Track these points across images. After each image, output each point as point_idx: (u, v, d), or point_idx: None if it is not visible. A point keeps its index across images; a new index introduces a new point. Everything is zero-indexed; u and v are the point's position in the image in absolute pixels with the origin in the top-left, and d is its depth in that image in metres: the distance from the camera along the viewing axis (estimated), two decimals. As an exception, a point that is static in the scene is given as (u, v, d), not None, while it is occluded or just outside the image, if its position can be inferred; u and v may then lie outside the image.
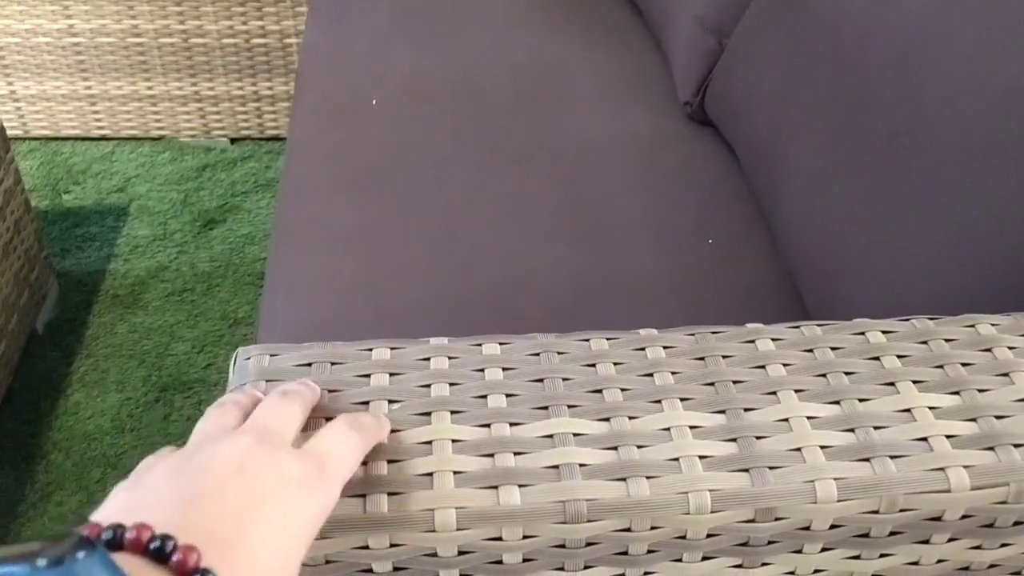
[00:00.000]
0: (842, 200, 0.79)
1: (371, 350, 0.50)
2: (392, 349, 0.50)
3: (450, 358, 0.50)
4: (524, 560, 0.45)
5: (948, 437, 0.47)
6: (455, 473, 0.44)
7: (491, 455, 0.45)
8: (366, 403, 0.47)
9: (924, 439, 0.47)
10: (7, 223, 1.35)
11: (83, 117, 1.88)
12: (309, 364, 0.49)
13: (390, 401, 0.47)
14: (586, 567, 0.46)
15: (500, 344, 0.51)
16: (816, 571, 0.48)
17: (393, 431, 0.45)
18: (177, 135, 1.93)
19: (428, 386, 0.48)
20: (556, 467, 0.44)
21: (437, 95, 1.19)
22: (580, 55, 1.29)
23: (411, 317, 0.85)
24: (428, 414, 0.47)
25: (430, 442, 0.45)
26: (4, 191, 1.34)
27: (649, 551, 0.45)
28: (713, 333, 0.52)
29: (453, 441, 0.45)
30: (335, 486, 0.40)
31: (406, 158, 1.08)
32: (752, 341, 0.52)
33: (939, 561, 0.48)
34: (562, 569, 0.45)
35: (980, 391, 0.49)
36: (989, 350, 0.52)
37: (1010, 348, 0.52)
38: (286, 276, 0.93)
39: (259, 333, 0.88)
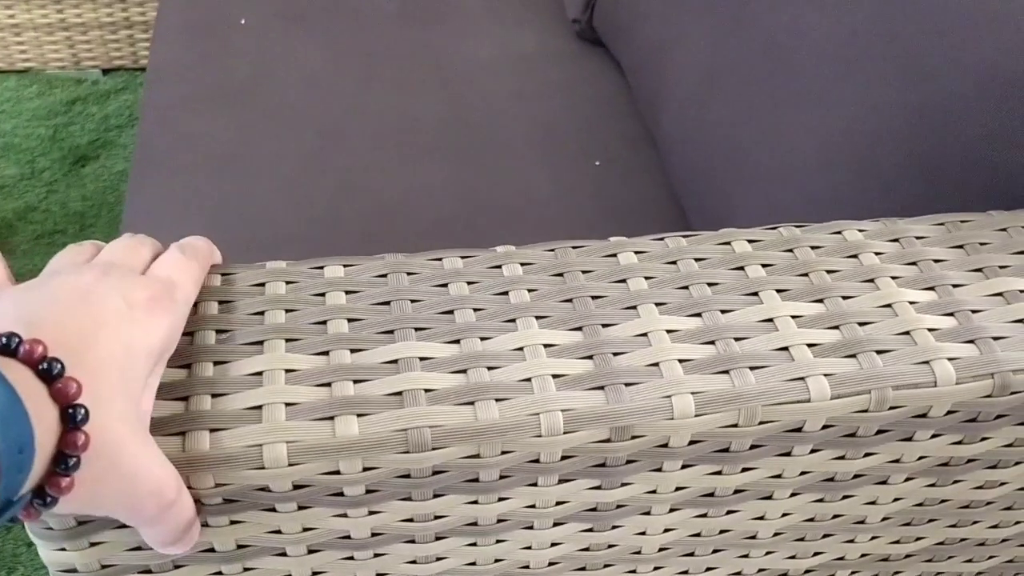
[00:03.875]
0: (723, 109, 0.76)
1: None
2: (221, 275, 0.46)
3: (287, 283, 0.46)
4: (368, 492, 0.42)
5: (810, 346, 0.45)
6: (287, 405, 0.40)
7: (328, 384, 0.41)
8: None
9: (786, 349, 0.45)
10: None
11: (-63, 48, 1.74)
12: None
13: (218, 331, 0.43)
14: (436, 495, 0.43)
15: (344, 266, 0.47)
16: (677, 488, 0.46)
17: (217, 363, 0.41)
18: (44, 67, 1.80)
19: (261, 313, 0.44)
20: (399, 393, 0.41)
21: (310, 13, 1.12)
22: (464, -29, 1.23)
23: (282, 242, 0.80)
24: (260, 343, 0.43)
25: (260, 373, 0.41)
26: None
27: (502, 476, 0.43)
28: (574, 248, 0.49)
29: (286, 371, 0.41)
30: (183, 308, 0.41)
31: (278, 78, 1.02)
32: (614, 255, 0.49)
33: (802, 473, 0.47)
34: (410, 499, 0.43)
35: (844, 298, 0.48)
36: (855, 256, 0.50)
37: (876, 254, 0.51)
38: (147, 204, 0.86)
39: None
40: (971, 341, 0.46)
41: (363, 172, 0.89)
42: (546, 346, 0.44)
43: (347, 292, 0.46)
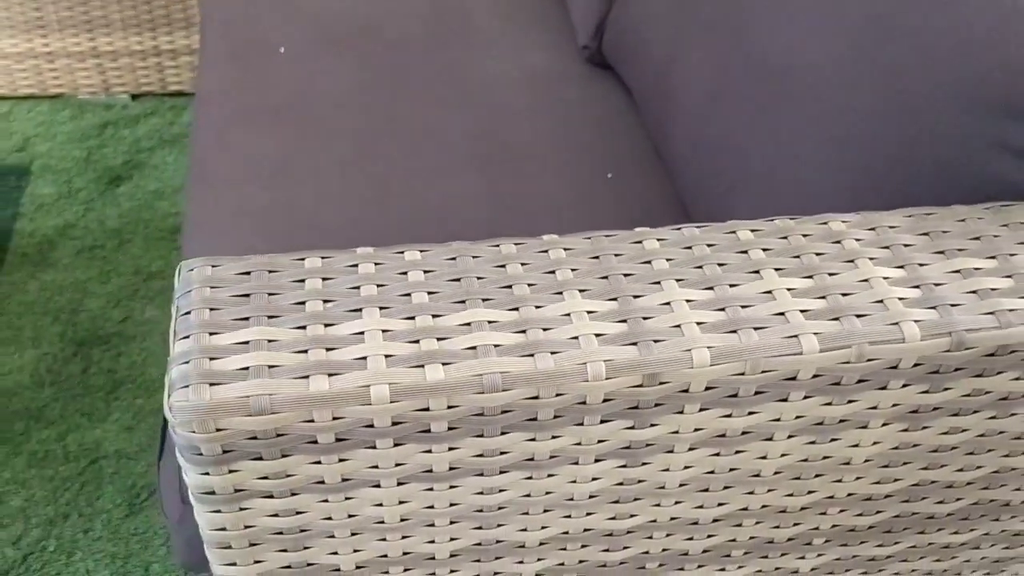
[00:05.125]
0: (725, 125, 0.87)
1: (304, 259, 0.56)
2: (323, 259, 0.56)
3: (376, 264, 0.56)
4: (449, 428, 0.52)
5: (802, 312, 0.56)
6: (386, 356, 0.50)
7: (417, 341, 0.51)
8: (303, 303, 0.53)
9: (782, 314, 0.55)
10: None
11: (-24, 76, 1.84)
12: (248, 272, 0.54)
13: (325, 301, 0.53)
14: (503, 433, 0.53)
15: (420, 251, 0.57)
16: (696, 429, 0.56)
17: (327, 324, 0.52)
18: (76, 92, 1.90)
19: (358, 288, 0.54)
20: (474, 348, 0.51)
21: (342, 38, 1.23)
22: None
23: (329, 242, 0.90)
24: (359, 310, 0.53)
25: (362, 332, 0.51)
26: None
27: (555, 416, 0.53)
28: (606, 236, 0.60)
29: (383, 331, 0.52)
30: None
31: (315, 97, 1.12)
32: (640, 242, 0.60)
33: (797, 417, 0.57)
34: (482, 436, 0.53)
35: (830, 275, 0.58)
36: (839, 242, 0.61)
37: (856, 240, 0.61)
38: (205, 212, 0.97)
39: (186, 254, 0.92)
40: (933, 307, 0.56)
41: (397, 180, 0.99)
42: (588, 312, 0.54)
43: (425, 271, 0.56)
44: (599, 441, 0.55)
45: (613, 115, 1.14)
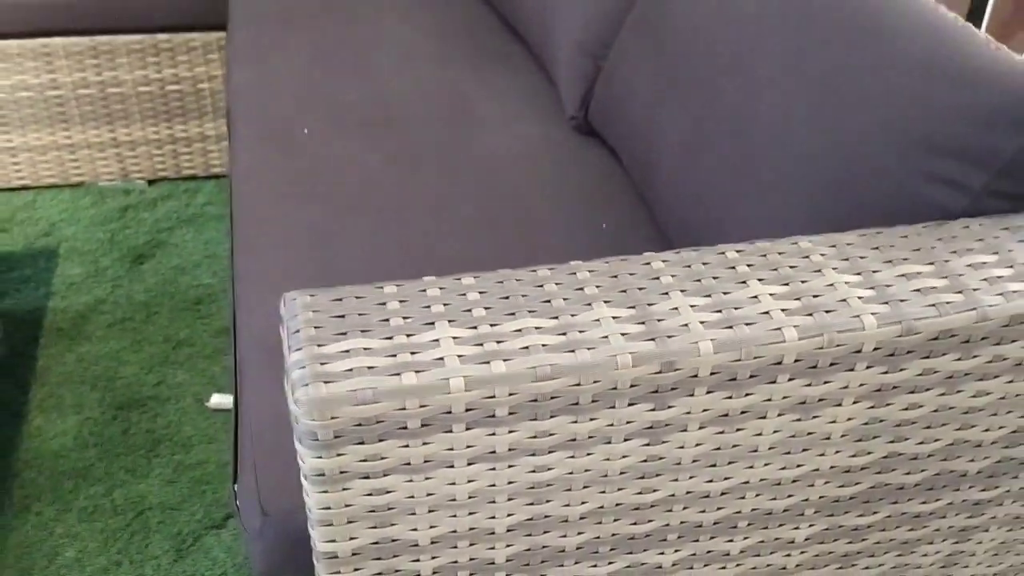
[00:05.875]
0: (702, 173, 1.03)
1: (383, 287, 0.69)
2: (398, 286, 0.70)
3: (440, 288, 0.70)
4: (509, 413, 0.65)
5: (783, 310, 0.70)
6: (459, 356, 0.64)
7: (481, 344, 0.65)
8: (387, 320, 0.66)
9: (767, 312, 0.69)
10: (-38, 264, 1.45)
11: (3, 169, 1.98)
12: (340, 299, 0.68)
13: (404, 317, 0.67)
14: (551, 416, 0.66)
15: (474, 277, 0.71)
16: (704, 409, 0.69)
17: (408, 335, 0.65)
18: (96, 180, 2.04)
19: (429, 306, 0.68)
20: (527, 347, 0.65)
21: (358, 122, 1.39)
22: (474, 77, 1.51)
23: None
24: (432, 323, 0.66)
25: (437, 339, 0.65)
26: (-43, 235, 1.45)
27: (592, 400, 0.66)
28: (621, 260, 0.74)
29: (453, 338, 0.65)
30: None
31: (340, 174, 1.27)
32: (648, 263, 0.74)
33: (784, 398, 0.71)
34: (535, 419, 0.66)
35: (802, 282, 0.73)
36: (807, 257, 0.76)
37: (821, 255, 0.76)
38: (254, 274, 1.10)
39: (239, 328, 1.05)
40: (886, 303, 0.71)
41: (419, 242, 1.13)
42: (613, 317, 0.68)
43: (480, 292, 0.69)
44: (627, 422, 0.68)
45: (602, 174, 1.29)
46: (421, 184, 1.25)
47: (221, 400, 1.55)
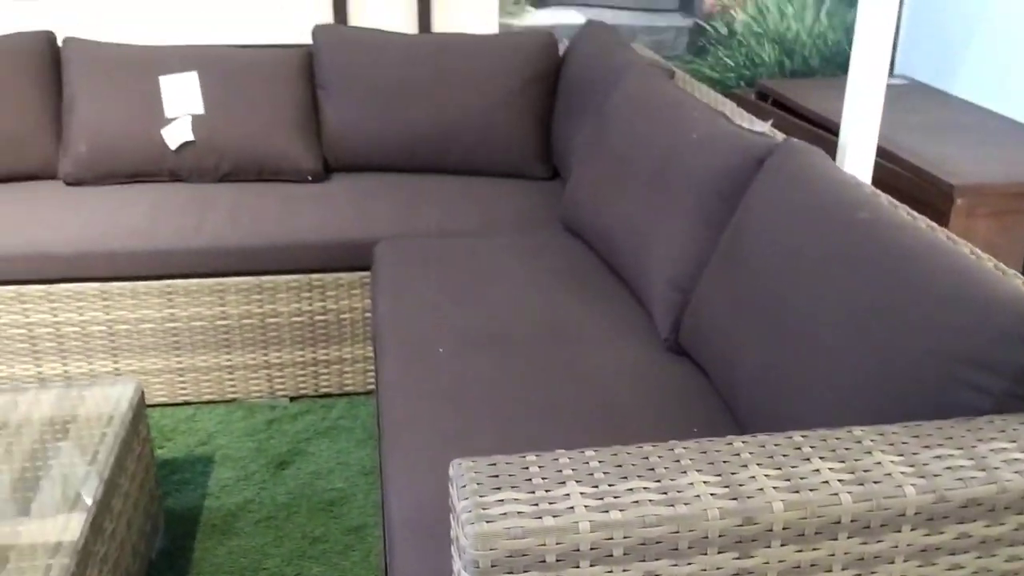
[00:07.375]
0: (775, 385, 1.24)
1: (525, 456, 0.91)
2: (537, 455, 0.92)
3: (568, 458, 0.91)
4: (624, 554, 0.84)
5: (839, 480, 0.88)
6: (585, 506, 0.84)
7: (602, 498, 0.85)
8: (530, 479, 0.88)
9: (827, 482, 0.88)
10: (143, 466, 1.73)
11: (171, 386, 2.31)
12: (493, 464, 0.90)
13: (543, 478, 0.88)
14: (656, 559, 0.85)
15: (594, 451, 0.93)
16: (780, 560, 0.87)
17: (546, 491, 0.86)
18: (247, 396, 2.35)
19: (560, 470, 0.89)
20: (637, 501, 0.85)
21: (484, 342, 1.65)
22: (581, 307, 1.78)
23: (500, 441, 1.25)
24: (564, 482, 0.87)
25: (568, 494, 0.86)
26: (142, 440, 1.74)
27: (689, 547, 0.85)
28: (708, 441, 0.95)
29: (580, 493, 0.86)
30: None
31: (471, 384, 1.52)
32: (731, 443, 0.94)
33: (845, 553, 0.88)
34: (644, 560, 0.84)
35: (855, 460, 0.92)
36: (860, 442, 0.95)
37: (872, 440, 0.95)
38: (404, 466, 1.33)
39: (388, 495, 1.26)
40: (923, 477, 0.89)
41: (534, 439, 1.35)
42: (703, 482, 0.88)
43: (599, 461, 0.91)
44: (717, 568, 0.86)
45: (692, 388, 1.51)
46: (534, 395, 1.49)
47: (353, 589, 1.72)
